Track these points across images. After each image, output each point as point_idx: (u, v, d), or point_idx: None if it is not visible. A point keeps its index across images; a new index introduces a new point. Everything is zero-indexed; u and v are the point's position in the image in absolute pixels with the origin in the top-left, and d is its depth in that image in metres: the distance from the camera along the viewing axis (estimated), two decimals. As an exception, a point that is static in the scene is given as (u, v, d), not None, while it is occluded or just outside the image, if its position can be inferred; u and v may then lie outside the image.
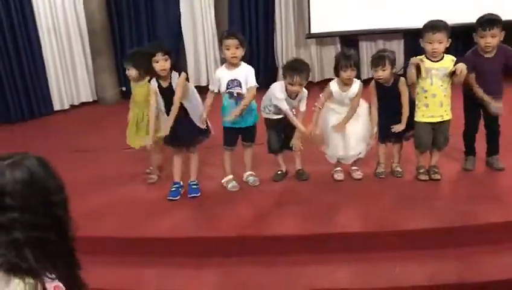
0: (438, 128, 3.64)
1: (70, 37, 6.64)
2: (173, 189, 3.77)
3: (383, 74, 3.60)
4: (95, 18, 6.78)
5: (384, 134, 3.77)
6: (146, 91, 3.77)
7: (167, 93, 3.58)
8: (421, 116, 3.62)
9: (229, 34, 3.64)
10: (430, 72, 3.51)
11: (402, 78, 3.66)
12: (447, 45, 3.50)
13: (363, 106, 3.76)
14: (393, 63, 3.63)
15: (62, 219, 1.34)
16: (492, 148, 3.85)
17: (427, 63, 3.52)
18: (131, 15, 7.02)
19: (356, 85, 3.68)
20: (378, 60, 3.62)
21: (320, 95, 3.77)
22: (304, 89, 3.72)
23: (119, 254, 3.23)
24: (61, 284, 1.26)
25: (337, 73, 3.67)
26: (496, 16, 3.58)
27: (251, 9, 7.07)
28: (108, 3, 6.94)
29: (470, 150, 3.90)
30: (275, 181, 3.91)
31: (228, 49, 3.57)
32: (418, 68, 3.51)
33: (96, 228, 3.39)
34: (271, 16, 7.06)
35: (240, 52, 3.59)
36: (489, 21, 3.50)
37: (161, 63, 3.48)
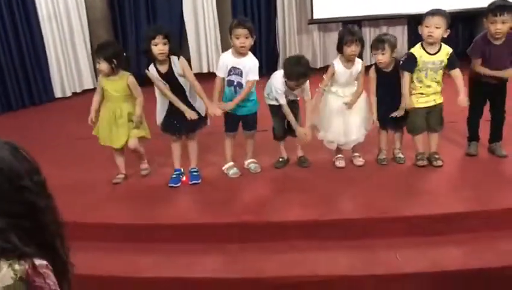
0: (432, 111, 3.64)
1: (71, 24, 6.62)
2: (174, 176, 3.76)
3: (383, 57, 3.57)
4: (95, 5, 6.76)
5: (384, 121, 3.74)
6: (122, 85, 3.61)
7: (167, 79, 3.54)
8: (415, 102, 3.61)
9: (239, 23, 3.54)
10: (426, 65, 3.51)
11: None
12: (445, 35, 3.46)
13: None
14: (393, 47, 3.59)
15: (35, 205, 1.24)
16: (496, 134, 3.83)
17: (424, 56, 3.51)
18: (132, 3, 6.99)
19: (359, 64, 3.66)
20: (377, 43, 3.59)
21: (324, 76, 3.73)
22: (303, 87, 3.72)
23: (120, 241, 3.24)
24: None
25: (340, 50, 3.62)
26: (507, 2, 3.53)
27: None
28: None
29: (473, 136, 3.89)
30: (276, 168, 3.90)
31: (238, 38, 3.51)
32: (415, 60, 3.51)
33: (97, 214, 3.41)
34: (273, 2, 7.01)
35: (249, 42, 3.54)
36: (500, 7, 3.45)
37: (160, 46, 3.41)
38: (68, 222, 3.43)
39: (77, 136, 4.83)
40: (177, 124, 3.66)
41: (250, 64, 3.59)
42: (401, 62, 3.60)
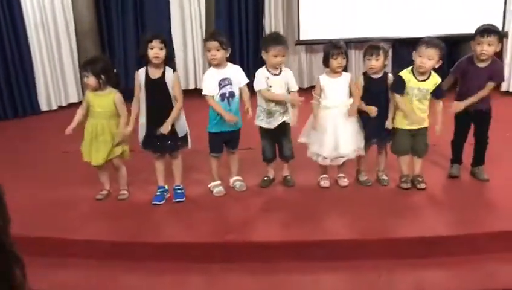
0: (417, 134, 3.68)
1: (58, 36, 6.60)
2: (158, 193, 3.73)
3: (376, 63, 3.61)
4: (83, 19, 6.76)
5: (368, 134, 3.74)
6: (108, 101, 3.58)
7: (156, 85, 3.51)
8: (399, 123, 3.67)
9: (209, 37, 3.66)
10: (412, 90, 3.57)
11: (390, 74, 3.72)
12: (436, 66, 3.53)
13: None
14: (386, 55, 3.68)
15: None
16: (479, 158, 3.88)
17: (412, 82, 3.57)
18: (120, 17, 7.02)
19: (347, 75, 3.71)
20: (373, 49, 3.63)
21: (313, 92, 3.77)
22: (287, 68, 3.77)
23: (102, 258, 3.19)
24: None
25: (326, 63, 3.68)
26: (495, 26, 3.66)
27: (241, 15, 7.10)
28: (97, 4, 6.95)
29: (456, 159, 3.95)
30: (262, 187, 3.89)
31: (209, 50, 3.58)
32: (404, 83, 3.57)
33: (80, 231, 3.35)
34: (260, 23, 7.09)
35: (221, 54, 3.58)
36: (487, 30, 3.57)
37: (156, 50, 3.42)
38: (50, 238, 3.39)
39: (62, 149, 4.78)
40: (157, 143, 3.63)
41: (235, 72, 3.67)
42: (391, 84, 3.65)
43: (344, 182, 3.88)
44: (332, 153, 3.72)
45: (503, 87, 6.65)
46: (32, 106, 6.38)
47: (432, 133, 3.68)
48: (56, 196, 3.86)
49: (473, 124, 3.82)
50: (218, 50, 3.56)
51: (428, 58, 3.48)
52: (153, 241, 3.25)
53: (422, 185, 3.74)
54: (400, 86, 3.59)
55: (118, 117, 3.63)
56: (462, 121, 3.79)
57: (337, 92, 3.69)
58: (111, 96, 3.59)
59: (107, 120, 3.61)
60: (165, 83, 3.51)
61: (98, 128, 3.60)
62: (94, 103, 3.61)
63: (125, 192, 3.82)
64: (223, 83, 3.62)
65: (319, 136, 3.73)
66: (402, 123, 3.65)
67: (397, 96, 3.60)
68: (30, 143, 5.28)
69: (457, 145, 3.92)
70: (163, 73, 3.51)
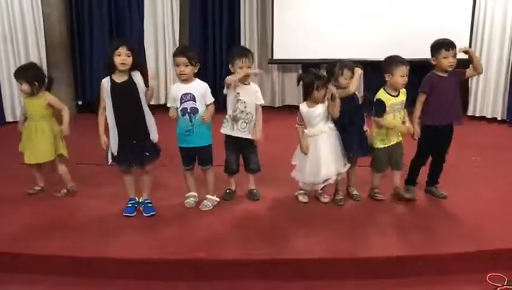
0: (394, 149, 3.81)
1: (27, 48, 6.50)
2: (129, 205, 3.67)
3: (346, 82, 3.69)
4: (54, 31, 6.70)
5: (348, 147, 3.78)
6: (39, 104, 3.87)
7: (124, 88, 3.43)
8: (380, 143, 3.78)
9: (178, 52, 3.64)
10: (394, 107, 3.71)
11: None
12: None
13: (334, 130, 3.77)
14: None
15: None
16: (434, 179, 4.01)
17: (392, 100, 3.70)
18: (94, 31, 6.98)
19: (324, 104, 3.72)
20: (348, 68, 3.71)
21: (297, 119, 3.80)
22: (255, 85, 3.89)
23: (68, 274, 3.07)
24: None
25: (307, 94, 3.68)
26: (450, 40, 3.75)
27: (215, 33, 7.15)
28: (69, 17, 6.90)
29: (412, 180, 4.01)
30: (224, 200, 3.90)
31: (177, 66, 3.58)
32: (385, 104, 3.68)
33: (45, 245, 3.23)
34: (236, 40, 7.15)
35: (190, 70, 3.58)
36: (451, 43, 3.70)
37: (123, 56, 3.37)
38: (6, 253, 3.24)
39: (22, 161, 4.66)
40: (129, 155, 3.55)
41: (201, 88, 3.64)
42: (373, 109, 3.73)
43: (325, 198, 3.89)
44: (315, 179, 3.74)
45: (470, 111, 6.86)
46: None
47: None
48: (20, 208, 3.75)
49: (436, 145, 3.88)
50: (186, 66, 3.55)
51: (406, 75, 3.66)
52: (117, 257, 3.16)
53: (407, 195, 3.87)
54: (381, 108, 3.68)
55: (51, 118, 3.92)
56: (426, 145, 3.85)
57: (321, 120, 3.71)
58: (41, 100, 3.86)
59: (39, 122, 3.88)
60: (134, 84, 3.45)
61: (37, 130, 3.88)
62: (27, 107, 3.91)
63: (65, 191, 4.05)
64: (185, 98, 3.60)
65: (303, 163, 3.76)
66: (381, 143, 3.78)
67: (379, 119, 3.69)
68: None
69: (415, 168, 3.98)
70: (130, 77, 3.46)
